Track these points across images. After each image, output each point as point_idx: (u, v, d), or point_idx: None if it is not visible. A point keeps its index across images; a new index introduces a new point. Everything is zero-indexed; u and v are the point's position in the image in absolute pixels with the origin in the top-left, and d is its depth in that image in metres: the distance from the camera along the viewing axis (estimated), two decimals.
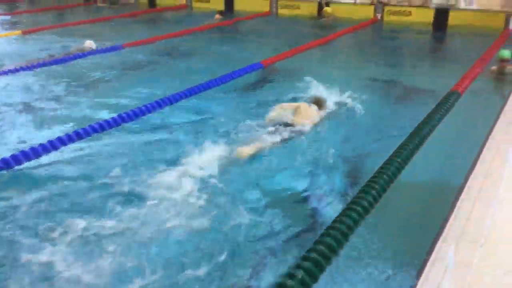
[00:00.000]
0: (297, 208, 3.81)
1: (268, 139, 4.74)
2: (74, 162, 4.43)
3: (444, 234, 3.13)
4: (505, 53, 6.94)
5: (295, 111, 5.15)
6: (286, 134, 4.86)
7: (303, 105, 5.30)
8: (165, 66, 8.06)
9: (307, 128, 5.04)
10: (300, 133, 4.95)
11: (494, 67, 7.00)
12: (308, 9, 13.20)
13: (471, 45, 9.60)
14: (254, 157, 4.46)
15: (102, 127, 5.05)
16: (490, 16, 10.97)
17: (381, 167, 4.00)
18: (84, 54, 8.31)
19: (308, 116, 5.16)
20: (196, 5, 15.01)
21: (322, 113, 5.41)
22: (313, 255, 2.91)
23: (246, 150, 4.48)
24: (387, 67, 7.58)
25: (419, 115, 5.38)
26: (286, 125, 4.98)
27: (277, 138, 4.76)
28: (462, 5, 11.51)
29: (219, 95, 6.33)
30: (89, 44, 8.81)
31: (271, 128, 4.92)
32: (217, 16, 13.54)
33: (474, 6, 11.81)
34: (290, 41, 9.51)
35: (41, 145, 4.50)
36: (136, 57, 8.49)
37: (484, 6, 11.86)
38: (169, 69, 7.90)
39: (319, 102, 5.44)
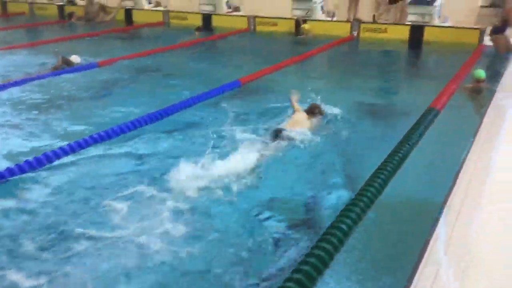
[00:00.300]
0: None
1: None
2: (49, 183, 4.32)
3: (426, 256, 3.07)
4: (481, 73, 7.00)
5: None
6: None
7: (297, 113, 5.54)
8: (141, 84, 7.92)
9: (297, 135, 5.13)
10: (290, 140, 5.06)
11: (469, 85, 7.06)
12: (285, 26, 13.25)
13: (446, 61, 9.72)
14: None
15: (73, 149, 4.93)
16: (464, 32, 11.16)
17: (362, 189, 3.95)
18: (58, 72, 8.13)
19: (299, 123, 5.32)
20: (173, 21, 14.95)
21: (314, 120, 5.55)
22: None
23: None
24: (364, 84, 7.59)
25: (398, 133, 5.38)
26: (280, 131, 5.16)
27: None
28: (436, 22, 11.69)
29: (197, 112, 6.26)
30: (74, 59, 8.74)
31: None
32: (197, 33, 13.52)
33: (449, 23, 12.03)
34: (268, 58, 9.50)
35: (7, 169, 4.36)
36: (112, 75, 8.34)
37: (458, 23, 12.10)
38: (145, 87, 7.77)
39: (310, 110, 5.63)
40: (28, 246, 3.39)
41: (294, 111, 5.65)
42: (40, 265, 3.20)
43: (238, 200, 4.00)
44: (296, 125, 5.29)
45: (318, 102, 5.97)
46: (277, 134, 5.13)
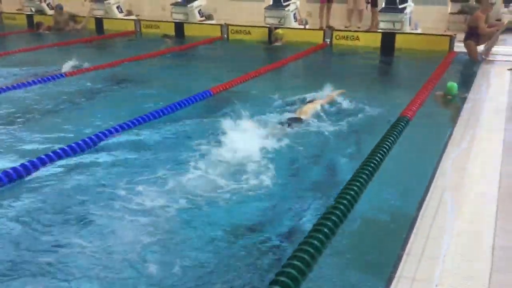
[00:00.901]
0: None
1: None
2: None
3: (398, 273, 3.00)
4: (453, 89, 7.00)
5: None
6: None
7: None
8: (110, 95, 7.74)
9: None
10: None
11: (440, 92, 7.09)
12: (259, 34, 13.20)
13: (418, 68, 9.80)
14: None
15: (44, 162, 4.78)
16: (435, 39, 11.28)
17: (335, 201, 3.87)
18: (23, 84, 7.88)
19: (305, 112, 6.14)
20: (145, 30, 14.77)
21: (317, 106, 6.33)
22: None
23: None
24: (337, 91, 7.55)
25: (369, 142, 5.34)
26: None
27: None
28: (407, 29, 11.80)
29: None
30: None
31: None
32: (168, 40, 13.42)
33: (419, 30, 12.16)
34: (241, 67, 9.39)
35: None
36: (80, 85, 8.13)
37: (429, 30, 12.25)
38: (113, 97, 7.59)
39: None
40: None
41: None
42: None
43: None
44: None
45: (290, 109, 5.95)
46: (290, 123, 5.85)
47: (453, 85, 7.02)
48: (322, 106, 6.45)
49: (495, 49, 10.37)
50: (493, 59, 9.79)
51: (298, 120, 5.99)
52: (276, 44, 12.43)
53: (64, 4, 15.40)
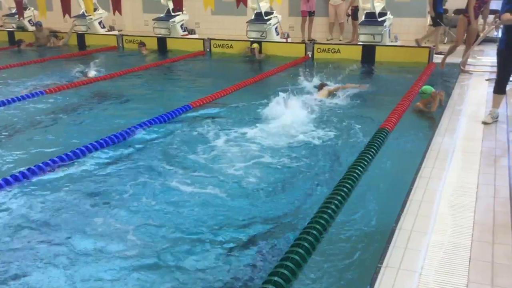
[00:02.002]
0: None
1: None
2: None
3: (376, 286, 2.99)
4: (428, 89, 7.10)
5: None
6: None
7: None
8: (91, 111, 7.67)
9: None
10: None
11: (419, 104, 7.15)
12: (241, 48, 13.26)
13: (398, 80, 9.89)
14: None
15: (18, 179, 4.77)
16: (414, 51, 11.43)
17: (314, 217, 3.87)
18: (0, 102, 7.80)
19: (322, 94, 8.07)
20: (127, 45, 14.75)
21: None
22: None
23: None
24: (318, 103, 7.60)
25: (349, 155, 5.37)
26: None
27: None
28: (387, 41, 11.95)
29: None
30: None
31: None
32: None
33: (399, 43, 12.33)
34: (223, 81, 9.42)
35: None
36: (60, 102, 8.08)
37: (408, 42, 12.42)
38: (94, 113, 7.52)
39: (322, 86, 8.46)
40: None
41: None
42: None
43: None
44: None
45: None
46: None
47: (427, 87, 7.12)
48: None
49: (472, 60, 10.56)
50: (471, 70, 9.96)
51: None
52: (258, 57, 12.51)
53: (46, 21, 15.33)
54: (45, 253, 3.59)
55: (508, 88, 6.44)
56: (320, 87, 8.46)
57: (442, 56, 10.51)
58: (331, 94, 8.09)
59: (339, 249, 3.59)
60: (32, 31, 15.72)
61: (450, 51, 10.23)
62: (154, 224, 3.99)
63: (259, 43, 12.90)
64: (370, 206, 4.20)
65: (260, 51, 12.68)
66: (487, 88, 8.20)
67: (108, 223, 4.03)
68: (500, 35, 6.44)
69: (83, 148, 5.51)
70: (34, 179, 4.84)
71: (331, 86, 8.51)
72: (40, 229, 3.94)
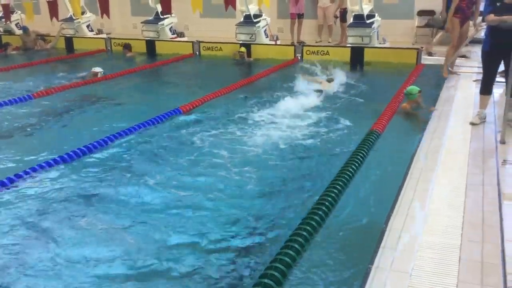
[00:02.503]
0: None
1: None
2: None
3: (367, 287, 3.00)
4: (413, 89, 7.14)
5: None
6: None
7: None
8: (79, 115, 7.63)
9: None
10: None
11: (406, 104, 7.19)
12: (231, 50, 13.25)
13: (386, 81, 9.95)
14: None
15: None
16: (402, 52, 11.50)
17: (305, 218, 3.87)
18: None
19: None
20: (116, 48, 14.67)
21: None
22: None
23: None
24: (308, 104, 7.63)
25: (339, 157, 5.38)
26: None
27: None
28: (376, 43, 12.01)
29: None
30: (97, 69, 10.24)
31: None
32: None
33: (387, 44, 12.40)
34: (212, 84, 9.40)
35: None
36: (49, 106, 8.01)
37: (397, 44, 12.50)
38: (83, 117, 7.49)
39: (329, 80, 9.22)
40: None
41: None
42: None
43: None
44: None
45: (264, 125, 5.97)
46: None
47: (413, 88, 7.15)
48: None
49: (460, 60, 10.64)
50: (458, 71, 10.03)
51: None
52: (248, 60, 12.51)
53: (34, 24, 15.21)
54: (30, 259, 3.56)
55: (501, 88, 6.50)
56: (329, 80, 9.27)
57: (433, 57, 10.49)
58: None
59: (329, 251, 3.60)
60: (19, 35, 15.57)
61: (450, 55, 9.76)
62: (142, 228, 3.98)
63: (248, 45, 12.91)
64: (360, 207, 4.22)
65: (249, 55, 12.67)
66: (474, 89, 8.27)
67: (96, 227, 4.00)
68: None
69: (71, 153, 5.47)
70: (20, 185, 4.79)
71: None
72: (27, 235, 3.90)
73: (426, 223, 3.80)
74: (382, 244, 3.48)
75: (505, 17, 5.78)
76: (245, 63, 12.45)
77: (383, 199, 4.28)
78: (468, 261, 3.25)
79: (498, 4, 5.96)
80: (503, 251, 3.35)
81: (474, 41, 10.78)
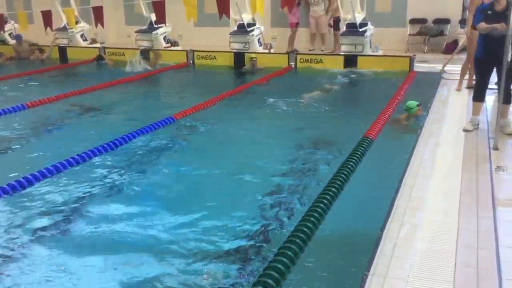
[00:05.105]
0: None
1: None
2: None
3: None
4: (412, 104, 7.14)
5: None
6: None
7: None
8: (74, 124, 7.62)
9: None
10: None
11: (403, 116, 7.19)
12: (225, 59, 13.29)
13: (380, 89, 9.99)
14: None
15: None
16: (395, 60, 11.59)
17: (298, 225, 3.87)
18: None
19: None
20: (110, 58, 14.65)
21: None
22: None
23: None
24: (300, 112, 7.66)
25: (332, 164, 5.39)
26: None
27: None
28: (369, 51, 12.10)
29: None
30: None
31: None
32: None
33: (380, 52, 12.49)
34: (206, 92, 9.41)
35: None
36: (43, 116, 7.99)
37: (389, 52, 12.59)
38: (76, 127, 7.48)
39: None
40: None
41: None
42: None
43: None
44: None
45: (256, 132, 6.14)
46: None
47: (412, 103, 7.19)
48: None
49: (452, 67, 10.69)
50: (452, 78, 10.10)
51: None
52: (258, 67, 12.45)
53: (27, 34, 15.18)
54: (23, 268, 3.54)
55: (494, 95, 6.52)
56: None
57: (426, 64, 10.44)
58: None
59: (325, 258, 3.60)
60: (11, 45, 15.55)
61: (465, 73, 9.05)
62: (136, 235, 3.97)
63: (242, 54, 12.94)
64: (355, 214, 4.23)
65: (255, 64, 12.66)
66: (467, 96, 8.33)
67: (88, 235, 3.98)
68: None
69: (64, 162, 5.43)
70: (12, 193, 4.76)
71: None
72: (19, 244, 3.88)
73: (421, 229, 3.81)
74: (378, 251, 3.48)
75: (496, 25, 5.85)
76: (239, 72, 12.47)
77: (378, 206, 4.29)
78: (463, 267, 3.26)
79: (489, 12, 6.03)
80: (498, 256, 3.36)
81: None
